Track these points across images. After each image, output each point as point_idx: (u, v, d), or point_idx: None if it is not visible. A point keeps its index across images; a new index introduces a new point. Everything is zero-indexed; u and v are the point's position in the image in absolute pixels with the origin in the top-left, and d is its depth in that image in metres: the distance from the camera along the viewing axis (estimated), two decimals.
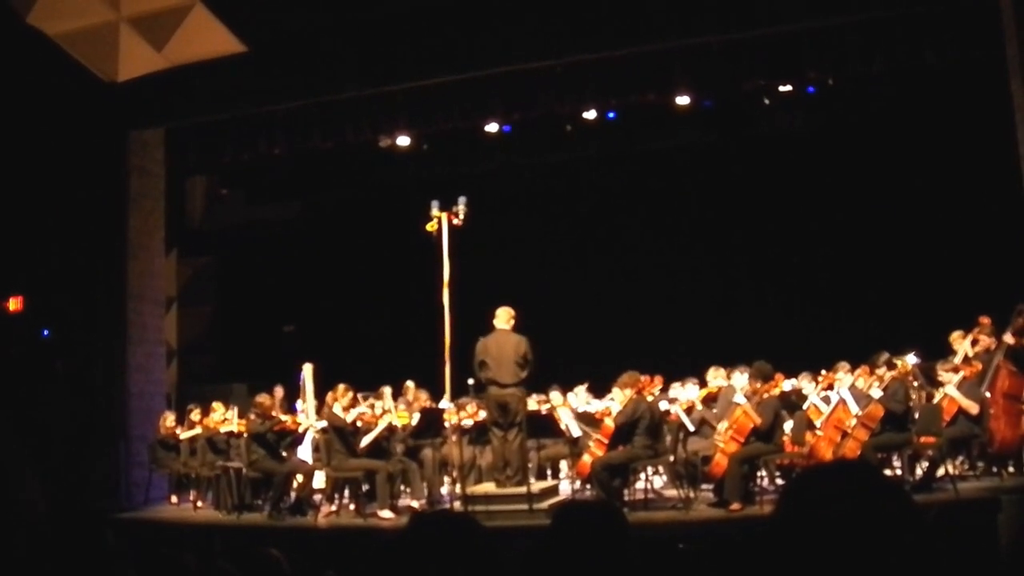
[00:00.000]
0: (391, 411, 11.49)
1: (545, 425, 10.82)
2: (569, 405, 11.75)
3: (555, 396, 12.17)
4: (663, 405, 10.56)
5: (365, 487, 10.91)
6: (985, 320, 10.29)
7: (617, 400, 10.27)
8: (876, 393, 9.65)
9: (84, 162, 13.44)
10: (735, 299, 14.70)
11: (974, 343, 10.25)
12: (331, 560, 9.04)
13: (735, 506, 9.26)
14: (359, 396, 11.33)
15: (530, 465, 10.73)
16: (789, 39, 11.48)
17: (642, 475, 10.60)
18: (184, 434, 12.49)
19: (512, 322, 10.15)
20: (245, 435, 11.25)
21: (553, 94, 12.49)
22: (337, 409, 10.81)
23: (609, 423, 10.05)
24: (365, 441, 10.77)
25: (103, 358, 13.31)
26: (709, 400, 11.08)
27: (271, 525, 10.47)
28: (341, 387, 10.97)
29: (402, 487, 11.13)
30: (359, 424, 10.94)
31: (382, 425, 10.98)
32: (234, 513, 11.15)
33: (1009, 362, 9.82)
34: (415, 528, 2.23)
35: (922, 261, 13.48)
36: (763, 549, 1.68)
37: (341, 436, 10.67)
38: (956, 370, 9.72)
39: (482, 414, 10.78)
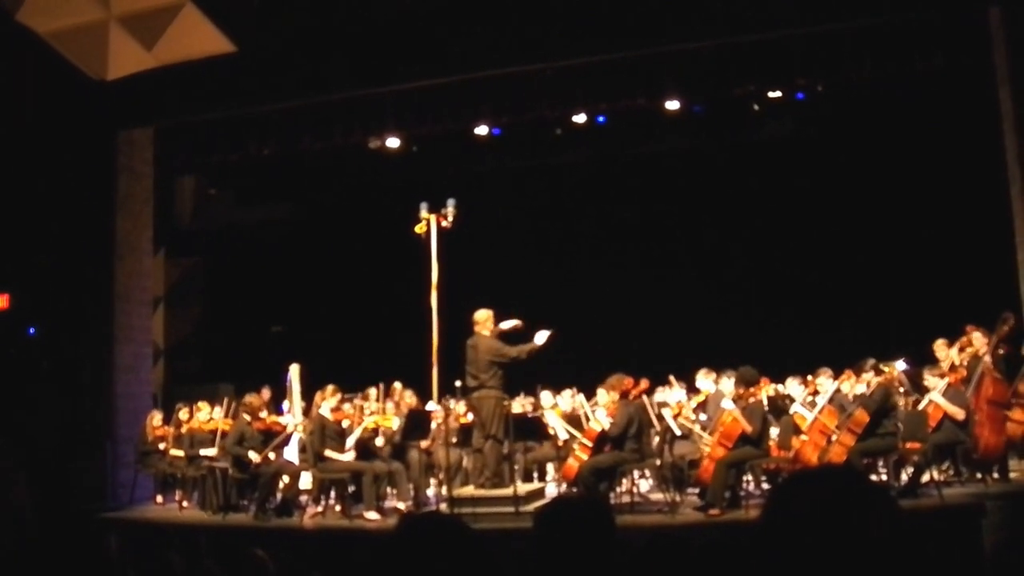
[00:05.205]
0: (377, 413, 11.49)
1: (531, 428, 10.83)
2: (559, 410, 11.75)
3: (546, 398, 12.16)
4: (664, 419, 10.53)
5: (351, 488, 10.91)
6: (971, 329, 10.32)
7: (602, 402, 10.28)
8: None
9: (73, 160, 13.38)
10: (723, 304, 14.71)
11: (961, 350, 10.28)
12: (317, 561, 9.05)
13: (714, 511, 9.25)
14: (346, 397, 11.32)
15: (516, 467, 10.74)
16: (779, 45, 11.52)
17: (628, 478, 10.60)
18: (173, 451, 12.41)
19: (490, 324, 10.17)
20: (229, 432, 11.30)
21: (543, 97, 12.50)
22: (325, 409, 10.80)
23: (595, 427, 10.05)
24: (350, 442, 10.76)
25: (90, 358, 13.25)
26: (701, 407, 11.09)
27: (257, 526, 10.44)
28: (330, 388, 10.96)
29: (388, 489, 11.13)
30: (344, 425, 10.93)
31: (366, 423, 10.97)
32: (220, 513, 11.12)
33: (994, 369, 9.87)
34: (404, 529, 2.24)
35: (910, 267, 13.53)
36: (750, 553, 1.69)
37: (328, 435, 10.67)
38: (942, 376, 9.76)
39: (470, 416, 10.79)
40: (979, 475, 9.89)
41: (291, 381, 11.73)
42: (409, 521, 2.37)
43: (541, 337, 10.01)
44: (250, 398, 11.33)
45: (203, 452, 11.75)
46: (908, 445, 9.46)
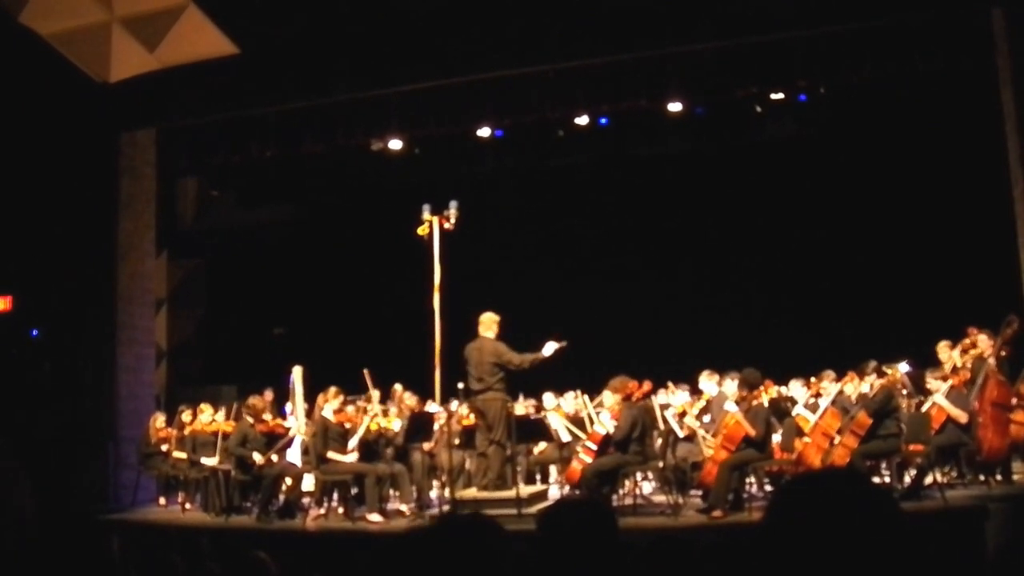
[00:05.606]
0: (378, 415, 11.47)
1: (534, 429, 10.82)
2: (562, 411, 11.74)
3: (548, 399, 12.14)
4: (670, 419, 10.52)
5: (354, 490, 10.90)
6: (973, 331, 10.32)
7: (607, 404, 10.27)
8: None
9: (75, 162, 13.39)
10: (726, 305, 14.70)
11: (964, 352, 10.27)
12: (319, 563, 9.05)
13: (716, 514, 9.24)
14: (348, 399, 11.30)
15: (519, 469, 10.73)
16: (781, 47, 11.51)
17: (631, 480, 10.58)
18: (176, 453, 12.41)
19: (494, 327, 10.14)
20: (232, 434, 11.30)
21: (545, 99, 12.49)
22: (327, 411, 10.80)
23: (599, 430, 10.04)
24: (353, 443, 10.75)
25: (92, 359, 13.26)
26: (704, 411, 11.06)
27: (259, 528, 10.43)
28: (332, 389, 10.96)
29: (391, 491, 11.11)
30: (347, 426, 10.93)
31: (365, 422, 10.95)
32: (222, 516, 11.12)
33: (998, 371, 9.86)
34: (443, 528, 2.24)
35: (913, 269, 13.51)
36: (752, 556, 1.68)
37: (330, 437, 10.66)
38: (945, 378, 9.74)
39: (473, 418, 10.78)
40: (982, 477, 9.87)
41: (294, 383, 11.72)
42: (450, 520, 2.37)
43: (549, 348, 9.97)
44: (253, 400, 11.32)
45: (204, 461, 11.71)
46: (911, 447, 9.45)
